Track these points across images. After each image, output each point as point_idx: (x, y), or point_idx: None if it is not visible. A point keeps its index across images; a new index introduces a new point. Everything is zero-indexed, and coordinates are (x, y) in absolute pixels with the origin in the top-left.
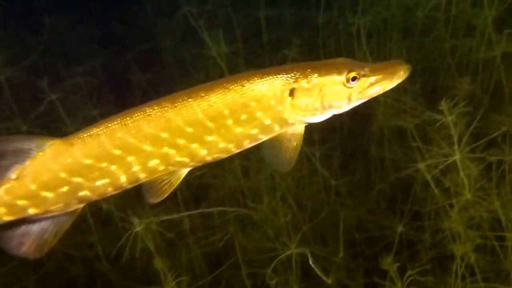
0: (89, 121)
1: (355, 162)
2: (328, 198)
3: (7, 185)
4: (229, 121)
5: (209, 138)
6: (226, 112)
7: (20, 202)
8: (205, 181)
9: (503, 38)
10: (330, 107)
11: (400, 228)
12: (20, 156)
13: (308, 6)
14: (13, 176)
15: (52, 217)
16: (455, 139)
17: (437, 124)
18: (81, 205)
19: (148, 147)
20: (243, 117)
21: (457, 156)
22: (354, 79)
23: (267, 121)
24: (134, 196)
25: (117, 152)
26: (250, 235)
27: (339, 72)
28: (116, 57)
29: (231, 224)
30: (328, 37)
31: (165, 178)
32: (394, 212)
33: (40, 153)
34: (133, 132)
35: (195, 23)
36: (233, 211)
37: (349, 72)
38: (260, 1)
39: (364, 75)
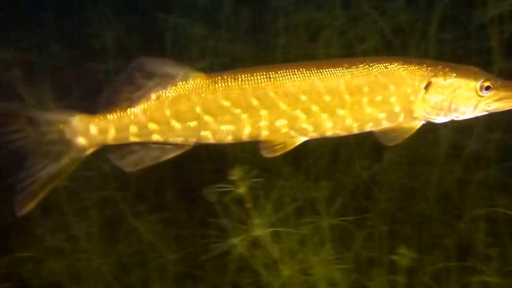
0: None
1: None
2: None
3: (146, 105)
4: (365, 99)
5: (340, 111)
6: (366, 89)
7: (151, 126)
8: None
9: None
10: (455, 111)
11: None
12: (165, 80)
13: None
14: (154, 97)
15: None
16: (252, 213)
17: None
18: (192, 145)
19: (283, 106)
20: (378, 98)
21: (259, 232)
22: (487, 88)
23: (397, 108)
24: None
25: (255, 102)
26: None
27: (476, 78)
28: None
29: None
30: None
31: (281, 140)
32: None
33: (184, 82)
34: (276, 87)
35: None
36: None
37: (485, 80)
38: None
39: (496, 88)
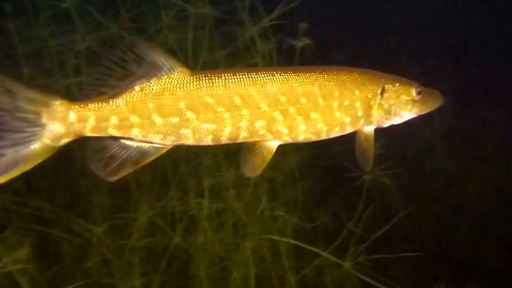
0: None
1: None
2: None
3: (129, 96)
4: (335, 103)
5: (314, 115)
6: (336, 93)
7: (132, 118)
8: None
9: None
10: (396, 115)
11: None
12: (151, 70)
13: None
14: (137, 88)
15: (139, 146)
16: None
17: None
18: (171, 145)
19: (264, 106)
20: (346, 102)
21: None
22: (419, 93)
23: (360, 113)
24: None
25: (238, 101)
26: None
27: (411, 84)
28: None
29: None
30: None
31: (258, 150)
32: None
33: (169, 75)
34: (258, 87)
35: None
36: None
37: (418, 86)
38: None
39: (423, 93)
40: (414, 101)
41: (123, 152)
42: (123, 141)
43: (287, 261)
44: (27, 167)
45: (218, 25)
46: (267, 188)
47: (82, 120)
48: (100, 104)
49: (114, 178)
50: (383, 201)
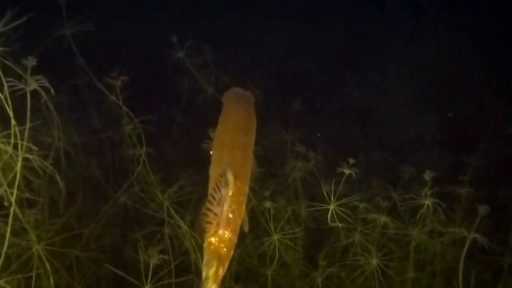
0: None
1: None
2: None
3: (231, 224)
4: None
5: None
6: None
7: (233, 238)
8: None
9: None
10: None
11: None
12: (227, 190)
13: None
14: (230, 215)
15: None
16: None
17: None
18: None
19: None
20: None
21: None
22: None
23: None
24: None
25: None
26: None
27: None
28: None
29: None
30: None
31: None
32: None
33: (232, 192)
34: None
35: None
36: None
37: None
38: None
39: None
40: None
41: None
42: None
43: None
44: None
45: None
46: None
47: (223, 268)
48: (228, 244)
49: None
50: None
